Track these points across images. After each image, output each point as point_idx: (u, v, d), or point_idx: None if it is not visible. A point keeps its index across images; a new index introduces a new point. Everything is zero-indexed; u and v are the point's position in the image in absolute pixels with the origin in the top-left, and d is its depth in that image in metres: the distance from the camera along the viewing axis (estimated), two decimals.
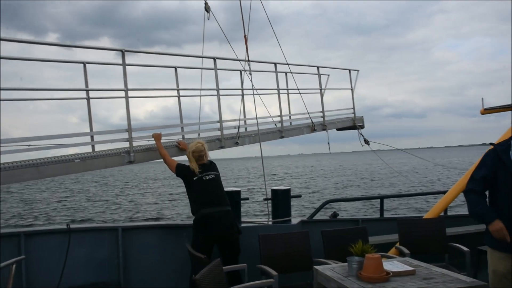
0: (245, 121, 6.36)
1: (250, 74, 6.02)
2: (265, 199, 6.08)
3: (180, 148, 5.00)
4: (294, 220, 5.53)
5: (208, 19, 6.29)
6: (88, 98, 4.65)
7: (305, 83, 7.11)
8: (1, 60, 3.44)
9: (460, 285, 2.75)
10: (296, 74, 7.11)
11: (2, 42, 3.40)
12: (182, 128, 5.52)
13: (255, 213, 19.37)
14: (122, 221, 19.40)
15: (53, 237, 4.67)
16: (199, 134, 5.72)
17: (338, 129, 8.65)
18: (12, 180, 3.51)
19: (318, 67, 7.81)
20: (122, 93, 4.37)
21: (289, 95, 7.37)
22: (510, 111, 6.21)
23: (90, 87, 4.44)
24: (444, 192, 6.27)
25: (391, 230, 5.41)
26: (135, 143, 4.50)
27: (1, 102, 3.63)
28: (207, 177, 4.46)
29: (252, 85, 6.02)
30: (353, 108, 8.74)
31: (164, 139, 4.89)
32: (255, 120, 6.37)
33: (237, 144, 5.82)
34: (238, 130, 5.89)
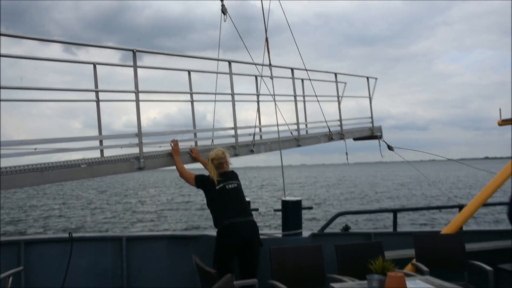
0: (260, 129, 6.09)
1: (272, 79, 5.77)
2: (275, 210, 5.86)
3: (192, 156, 4.75)
4: (305, 233, 5.26)
5: (225, 21, 6.08)
6: (97, 101, 4.42)
7: (320, 91, 6.84)
8: (7, 63, 3.24)
9: None
10: (311, 81, 6.84)
11: (7, 43, 3.21)
12: (195, 134, 5.26)
13: (262, 224, 19.09)
14: (127, 231, 19.03)
15: (54, 245, 4.48)
16: (212, 141, 5.45)
17: (355, 139, 8.33)
18: (13, 185, 3.27)
19: (336, 74, 7.54)
20: (132, 96, 4.12)
21: (305, 102, 7.12)
22: None
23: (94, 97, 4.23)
24: (458, 206, 6.09)
25: (405, 245, 5.24)
26: (145, 149, 4.24)
27: (6, 102, 3.42)
28: (230, 186, 4.25)
29: (273, 91, 5.76)
30: (371, 117, 8.43)
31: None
32: (271, 127, 6.11)
33: (252, 152, 5.55)
34: (254, 137, 5.62)
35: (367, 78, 8.39)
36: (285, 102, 6.67)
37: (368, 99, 8.36)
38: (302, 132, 6.70)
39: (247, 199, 4.96)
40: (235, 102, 5.31)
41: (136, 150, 4.18)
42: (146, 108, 4.08)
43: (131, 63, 4.12)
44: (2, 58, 3.18)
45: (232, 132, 5.36)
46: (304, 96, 6.91)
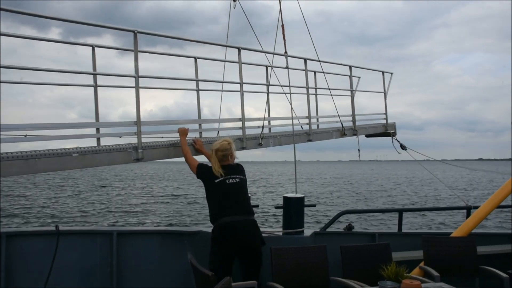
0: (269, 122, 5.77)
1: (288, 69, 5.44)
2: (276, 207, 5.58)
3: (195, 148, 4.44)
4: (307, 232, 4.96)
5: (234, 7, 5.76)
6: (95, 86, 4.13)
7: (332, 85, 6.49)
8: (4, 51, 2.96)
9: None
10: (323, 74, 6.50)
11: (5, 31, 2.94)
12: (200, 125, 4.94)
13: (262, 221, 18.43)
14: (118, 225, 17.94)
15: (39, 239, 4.20)
16: (218, 132, 5.14)
17: (367, 136, 7.98)
18: None
19: (350, 67, 7.18)
20: (131, 82, 3.81)
21: (317, 96, 6.77)
22: None
23: (92, 82, 3.93)
24: (466, 208, 5.83)
25: (411, 246, 5.14)
26: (145, 139, 3.94)
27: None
28: (231, 181, 3.91)
29: (289, 81, 5.43)
30: (386, 113, 8.06)
31: (177, 136, 4.34)
32: (280, 121, 5.80)
33: (260, 145, 5.22)
34: (262, 130, 5.29)
35: (383, 72, 8.03)
36: (296, 95, 6.35)
37: (383, 94, 8.02)
38: (313, 127, 6.37)
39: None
40: (244, 93, 4.99)
41: (135, 140, 3.87)
42: (142, 101, 3.76)
43: (130, 55, 3.82)
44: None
45: (239, 124, 5.04)
46: (316, 89, 6.56)
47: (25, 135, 3.24)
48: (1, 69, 2.91)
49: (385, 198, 31.32)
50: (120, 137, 4.06)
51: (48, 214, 21.17)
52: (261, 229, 4.19)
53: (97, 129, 3.99)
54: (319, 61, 6.18)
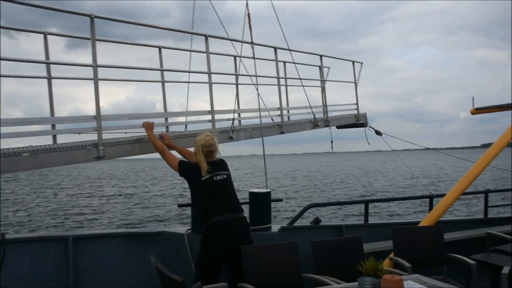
0: (239, 114, 5.50)
1: (254, 59, 5.19)
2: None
3: (164, 143, 4.10)
4: (274, 227, 4.76)
5: None
6: (49, 77, 3.73)
7: (302, 76, 6.28)
8: None
9: None
10: (292, 64, 6.29)
11: None
12: (166, 118, 4.61)
13: None
14: (74, 229, 16.49)
15: None
16: (186, 126, 4.83)
17: (338, 127, 7.85)
18: None
19: (321, 56, 7.00)
20: (89, 73, 3.45)
21: (287, 87, 6.55)
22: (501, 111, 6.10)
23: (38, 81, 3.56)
24: (429, 197, 6.04)
25: (378, 237, 5.17)
26: (105, 136, 3.59)
27: None
28: (219, 177, 3.67)
29: (255, 72, 5.18)
30: (357, 104, 7.95)
31: (143, 132, 4.01)
32: (251, 113, 5.54)
33: (231, 139, 4.96)
34: (233, 123, 5.03)
35: (353, 62, 7.90)
36: (267, 86, 6.11)
37: (350, 87, 7.90)
38: (285, 119, 6.15)
39: None
40: (212, 85, 4.69)
41: (94, 136, 3.52)
42: (91, 96, 3.36)
43: (78, 50, 3.45)
44: None
45: (208, 117, 4.75)
46: (286, 79, 6.33)
47: None
48: None
49: (349, 189, 31.60)
50: (79, 134, 3.71)
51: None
52: None
53: (53, 126, 3.61)
54: (289, 50, 5.97)
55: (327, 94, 7.14)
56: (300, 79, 6.17)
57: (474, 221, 6.38)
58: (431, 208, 6.02)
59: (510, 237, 4.79)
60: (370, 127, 7.66)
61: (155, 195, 30.03)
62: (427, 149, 10.15)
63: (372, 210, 17.86)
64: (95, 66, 3.39)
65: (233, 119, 5.04)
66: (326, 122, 6.92)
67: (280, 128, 5.87)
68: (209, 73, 4.61)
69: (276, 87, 5.96)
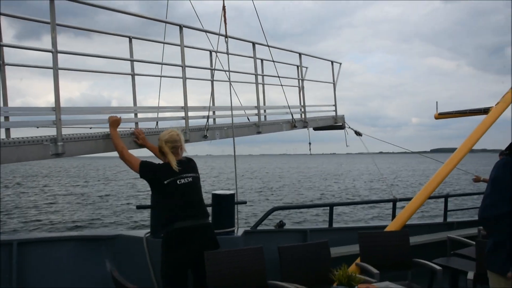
0: (213, 112, 5.20)
1: (228, 54, 4.90)
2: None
3: (138, 142, 3.81)
4: (236, 231, 4.57)
5: None
6: (2, 64, 3.33)
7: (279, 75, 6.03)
8: None
9: None
10: (270, 63, 6.03)
11: None
12: (135, 114, 4.26)
13: None
14: (20, 233, 14.95)
15: None
16: (157, 123, 4.49)
17: (315, 129, 7.63)
18: None
19: (300, 54, 6.77)
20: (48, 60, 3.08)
21: (265, 85, 6.28)
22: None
23: None
24: (393, 201, 6.04)
25: (342, 241, 5.10)
26: (65, 130, 3.22)
27: None
28: (183, 181, 3.37)
29: (228, 67, 4.91)
30: (335, 105, 7.76)
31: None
32: (227, 111, 5.24)
33: (205, 137, 4.66)
34: (207, 121, 4.73)
35: (332, 62, 7.71)
36: (245, 85, 5.84)
37: (327, 87, 7.71)
38: (262, 118, 5.88)
39: None
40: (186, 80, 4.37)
41: (53, 131, 3.15)
42: (43, 92, 3.04)
43: (31, 42, 3.09)
44: None
45: (182, 113, 4.44)
46: (263, 77, 6.05)
47: None
48: None
49: (314, 191, 31.43)
50: (37, 127, 3.33)
51: None
52: None
53: (6, 118, 3.22)
54: (268, 46, 5.71)
55: (306, 96, 6.93)
56: (279, 77, 5.92)
57: (433, 225, 6.45)
58: (394, 211, 6.06)
59: (469, 241, 4.82)
60: (349, 127, 7.50)
61: (111, 194, 28.66)
62: (413, 152, 10.16)
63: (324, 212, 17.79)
64: (54, 51, 3.03)
65: (208, 117, 4.74)
66: (304, 123, 6.70)
67: (257, 128, 5.60)
68: (183, 66, 4.30)
69: (254, 85, 5.69)
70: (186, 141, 4.29)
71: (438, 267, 3.86)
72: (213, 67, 5.04)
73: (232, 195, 4.50)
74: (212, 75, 5.10)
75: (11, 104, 3.16)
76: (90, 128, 3.76)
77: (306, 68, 7.14)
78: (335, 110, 7.73)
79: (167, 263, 3.31)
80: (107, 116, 3.64)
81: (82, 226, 16.53)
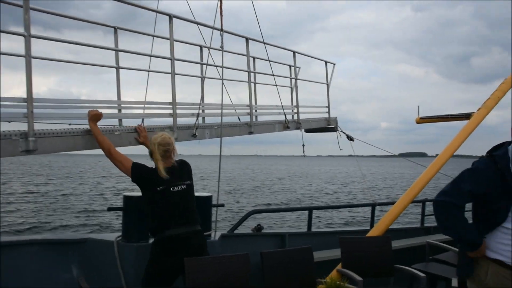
0: (203, 110, 4.89)
1: (222, 47, 4.61)
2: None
3: (139, 141, 3.67)
4: (214, 235, 4.36)
5: None
6: None
7: (270, 77, 5.75)
8: None
9: None
10: (262, 62, 5.78)
11: None
12: (119, 109, 3.93)
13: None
14: None
15: None
16: (143, 120, 4.17)
17: (307, 131, 7.37)
18: None
19: (294, 52, 6.51)
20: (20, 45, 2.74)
21: (256, 85, 5.99)
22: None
23: None
24: (372, 205, 6.00)
25: (321, 246, 5.02)
26: (37, 126, 2.89)
27: None
28: (176, 188, 3.24)
29: (222, 63, 4.65)
30: (328, 107, 7.52)
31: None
32: (219, 109, 4.94)
33: (194, 136, 4.35)
34: (197, 119, 4.42)
35: (326, 62, 7.47)
36: (237, 85, 5.58)
37: (325, 85, 7.45)
38: (254, 119, 5.59)
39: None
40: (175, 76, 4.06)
41: (24, 126, 2.81)
42: (8, 86, 2.69)
43: None
44: None
45: (170, 110, 4.13)
46: (255, 74, 5.75)
47: None
48: None
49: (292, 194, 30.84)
50: (9, 122, 2.99)
51: None
52: None
53: None
54: (264, 43, 5.44)
55: (299, 95, 6.67)
56: (273, 75, 5.66)
57: (411, 230, 6.47)
58: (373, 216, 6.05)
59: (448, 246, 4.82)
60: (342, 131, 7.28)
61: (78, 194, 26.89)
62: (399, 156, 10.07)
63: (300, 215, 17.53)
64: (27, 35, 2.69)
65: (198, 115, 4.43)
66: (297, 124, 6.44)
67: (249, 127, 5.31)
68: (172, 59, 3.98)
69: (245, 85, 5.40)
70: (175, 139, 3.98)
71: (421, 274, 3.81)
72: (206, 62, 4.72)
73: (210, 197, 4.28)
74: (203, 71, 4.81)
75: None
76: (70, 124, 3.45)
77: (299, 68, 6.89)
78: (328, 112, 7.49)
79: (155, 269, 3.18)
80: (87, 110, 3.33)
81: (45, 228, 15.36)
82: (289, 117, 6.23)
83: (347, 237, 4.24)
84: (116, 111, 3.90)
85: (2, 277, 3.47)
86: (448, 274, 4.14)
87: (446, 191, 2.49)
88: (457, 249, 4.68)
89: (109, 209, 4.76)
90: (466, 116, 5.81)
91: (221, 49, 4.70)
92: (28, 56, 2.72)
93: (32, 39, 2.74)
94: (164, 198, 3.19)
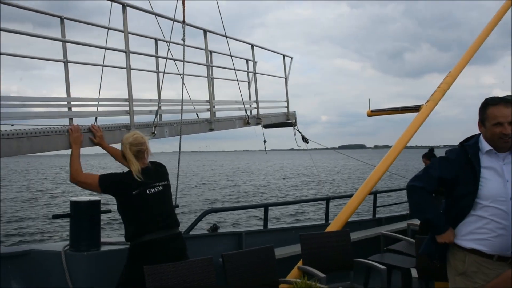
0: (160, 107, 4.61)
1: (184, 40, 4.34)
2: (54, 217, 4.30)
3: (95, 142, 3.41)
4: None
5: None
6: None
7: (228, 72, 5.59)
8: None
9: None
10: (219, 56, 5.58)
11: None
12: (69, 107, 3.58)
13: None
14: None
15: None
16: (96, 119, 3.83)
17: (265, 126, 7.23)
18: None
19: (252, 45, 6.34)
20: None
21: (215, 80, 5.77)
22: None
23: None
24: (326, 199, 6.03)
25: (278, 242, 4.88)
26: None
27: None
28: (152, 190, 3.08)
29: (183, 58, 4.36)
30: (287, 101, 7.42)
31: (41, 123, 3.01)
32: (177, 106, 4.68)
33: (153, 134, 4.07)
34: (156, 116, 4.14)
35: (283, 56, 7.37)
36: (193, 79, 5.32)
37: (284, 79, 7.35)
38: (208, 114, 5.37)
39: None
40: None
41: None
42: None
43: None
44: None
45: (126, 108, 3.83)
46: (213, 70, 5.53)
47: None
48: None
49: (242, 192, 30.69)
50: None
51: None
52: (110, 240, 3.76)
53: None
54: (226, 36, 5.23)
55: (258, 91, 6.51)
56: (234, 70, 5.47)
57: (364, 222, 6.53)
58: (327, 210, 6.06)
59: (401, 236, 4.90)
60: (298, 131, 7.26)
61: (17, 199, 24.72)
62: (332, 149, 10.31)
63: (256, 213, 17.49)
64: None
65: (157, 112, 4.16)
66: (258, 120, 6.28)
67: (210, 124, 5.09)
68: (127, 52, 3.69)
69: (204, 81, 5.16)
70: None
71: (382, 267, 3.84)
72: (166, 56, 4.43)
73: None
74: (158, 66, 4.52)
75: None
76: (12, 125, 3.09)
77: (256, 62, 6.73)
78: (287, 106, 7.39)
79: (132, 275, 3.01)
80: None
81: None
82: (249, 113, 6.07)
83: (307, 233, 4.19)
84: (65, 109, 3.56)
85: None
86: (405, 264, 4.20)
87: (418, 176, 2.63)
88: (410, 239, 4.88)
89: (55, 217, 4.33)
90: (416, 108, 5.92)
91: (183, 42, 4.44)
92: None
93: None
94: (140, 201, 3.02)
